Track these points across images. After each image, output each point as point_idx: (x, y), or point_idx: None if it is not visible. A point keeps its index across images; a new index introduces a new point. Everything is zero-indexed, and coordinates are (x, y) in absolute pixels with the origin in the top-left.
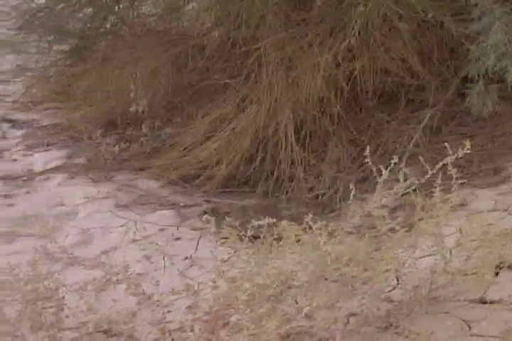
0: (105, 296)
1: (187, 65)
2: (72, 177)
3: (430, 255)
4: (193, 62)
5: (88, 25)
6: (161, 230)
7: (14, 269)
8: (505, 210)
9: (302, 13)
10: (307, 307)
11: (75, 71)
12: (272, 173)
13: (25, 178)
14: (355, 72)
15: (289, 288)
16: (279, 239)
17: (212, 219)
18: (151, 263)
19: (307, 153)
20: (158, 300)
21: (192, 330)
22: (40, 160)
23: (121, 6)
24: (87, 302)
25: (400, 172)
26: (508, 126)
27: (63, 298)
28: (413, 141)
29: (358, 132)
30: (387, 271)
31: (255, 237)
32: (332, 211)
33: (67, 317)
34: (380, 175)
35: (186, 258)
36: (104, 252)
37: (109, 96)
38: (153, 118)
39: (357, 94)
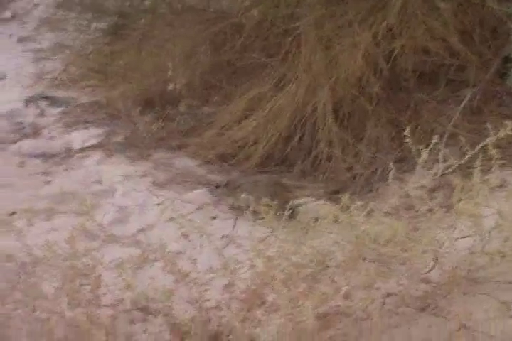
0: (142, 274)
1: (225, 44)
2: (110, 155)
3: (469, 236)
4: (231, 40)
5: (127, 3)
6: (198, 209)
7: (52, 246)
8: None
9: None
10: (345, 287)
11: (114, 49)
12: (310, 153)
13: (63, 156)
14: (395, 52)
15: (326, 267)
16: (317, 218)
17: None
18: (189, 241)
19: (345, 132)
20: (195, 279)
21: (229, 309)
22: (78, 137)
23: None
24: (125, 279)
25: (440, 152)
26: None
27: (100, 275)
28: (453, 121)
29: (397, 112)
30: (425, 251)
31: (292, 216)
32: (370, 191)
33: (104, 294)
34: (419, 155)
35: (223, 236)
36: (141, 230)
37: (147, 74)
38: (190, 97)
39: (396, 73)
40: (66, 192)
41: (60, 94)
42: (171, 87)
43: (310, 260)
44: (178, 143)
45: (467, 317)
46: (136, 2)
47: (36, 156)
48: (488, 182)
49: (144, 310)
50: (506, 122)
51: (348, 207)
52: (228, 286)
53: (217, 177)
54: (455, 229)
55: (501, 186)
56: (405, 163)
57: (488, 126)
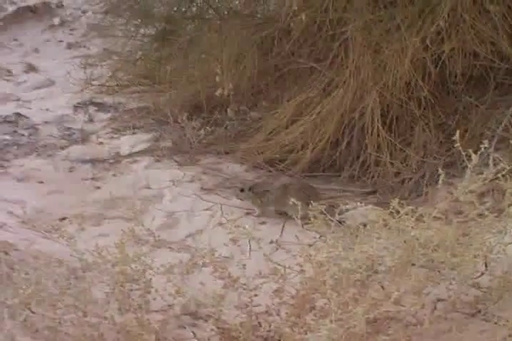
0: (191, 279)
1: (273, 49)
2: (158, 161)
3: None
4: (278, 45)
5: (174, 9)
6: (247, 214)
7: (102, 251)
8: None
9: None
10: (395, 293)
11: (161, 55)
12: (358, 158)
13: (111, 161)
14: (444, 55)
15: (376, 273)
16: (365, 223)
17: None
18: (237, 246)
19: (393, 137)
20: (244, 284)
21: (278, 314)
22: (126, 143)
23: None
24: (175, 284)
25: (490, 156)
26: None
27: (150, 280)
28: (502, 125)
29: (446, 116)
30: (475, 256)
31: (341, 222)
32: (418, 196)
33: (154, 299)
34: (469, 159)
35: (272, 242)
36: (190, 235)
37: (195, 79)
38: (238, 102)
39: (445, 77)
40: (115, 197)
41: (108, 100)
42: (218, 92)
43: (359, 265)
44: (226, 148)
45: None
46: (183, 8)
47: (85, 162)
48: None
49: (194, 315)
50: None
51: (397, 212)
52: (278, 291)
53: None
54: (506, 233)
55: None
56: (454, 167)
57: None
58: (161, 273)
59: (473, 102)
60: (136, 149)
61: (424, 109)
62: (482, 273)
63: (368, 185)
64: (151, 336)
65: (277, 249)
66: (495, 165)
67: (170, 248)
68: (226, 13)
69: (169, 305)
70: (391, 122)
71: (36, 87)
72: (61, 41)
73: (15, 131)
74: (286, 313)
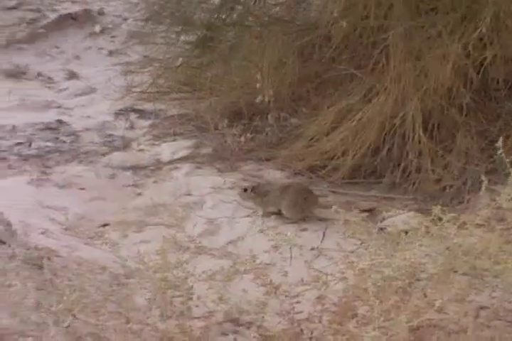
0: (233, 286)
1: (313, 55)
2: (199, 167)
3: None
4: (319, 52)
5: (215, 16)
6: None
7: (144, 258)
8: None
9: (431, 2)
10: (437, 301)
11: (202, 61)
12: (399, 164)
13: (152, 168)
14: (486, 62)
15: (418, 280)
16: (407, 230)
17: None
18: (279, 253)
19: (435, 143)
20: (286, 291)
21: (320, 321)
22: (167, 150)
23: None
24: (216, 291)
25: None
26: None
27: (192, 286)
28: None
29: (488, 122)
30: None
31: (382, 228)
32: (460, 203)
33: (196, 306)
34: None
35: (313, 248)
36: (231, 242)
37: (235, 86)
38: (278, 109)
39: (487, 83)
40: (156, 204)
41: (148, 106)
42: (259, 98)
43: (401, 273)
44: (267, 154)
45: None
46: (224, 15)
47: (126, 168)
48: None
49: (236, 321)
50: None
51: (439, 219)
52: (320, 298)
53: None
54: None
55: None
56: (496, 174)
57: None
58: (202, 279)
59: None
60: (177, 156)
61: (466, 115)
62: None
63: (409, 192)
64: None
65: (318, 256)
66: None
67: (211, 254)
68: (267, 19)
69: (211, 312)
70: (432, 129)
71: (77, 94)
72: (102, 48)
73: (56, 138)
74: (328, 320)
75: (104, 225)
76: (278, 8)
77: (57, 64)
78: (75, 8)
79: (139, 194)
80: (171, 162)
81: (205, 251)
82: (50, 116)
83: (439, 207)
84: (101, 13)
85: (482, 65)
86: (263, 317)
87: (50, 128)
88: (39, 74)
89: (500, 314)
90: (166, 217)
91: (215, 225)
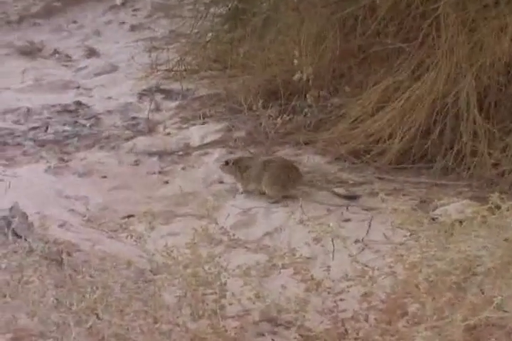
0: (270, 282)
1: (356, 28)
2: (231, 152)
3: None
4: (362, 24)
5: None
6: (330, 210)
7: (172, 252)
8: None
9: None
10: (497, 297)
11: (234, 36)
12: (452, 147)
13: (180, 153)
14: None
15: (474, 275)
16: (461, 220)
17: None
18: (320, 246)
19: (491, 124)
20: (329, 287)
21: (367, 320)
22: (196, 133)
23: None
24: (252, 288)
25: None
26: None
27: (225, 283)
28: None
29: None
30: None
31: (434, 218)
32: None
33: (230, 304)
34: None
35: (358, 241)
36: (268, 234)
37: (271, 63)
38: (318, 88)
39: None
40: (185, 192)
41: (175, 86)
42: (296, 76)
43: (455, 267)
44: (305, 138)
45: None
46: None
47: (152, 154)
48: None
49: (274, 321)
50: None
51: (497, 207)
52: (366, 295)
53: (350, 176)
54: None
55: None
56: None
57: None
58: (236, 275)
59: None
60: (207, 140)
61: None
62: None
63: (463, 178)
64: None
65: (364, 249)
66: None
67: (246, 248)
68: None
69: (246, 311)
70: (489, 108)
71: (97, 73)
72: (124, 23)
73: (75, 122)
74: (376, 319)
75: (129, 216)
76: None
77: (75, 40)
78: None
79: (166, 182)
80: (200, 147)
81: (240, 244)
82: (68, 98)
83: (497, 194)
84: None
85: None
86: (304, 316)
87: (68, 111)
88: (55, 52)
89: None
90: (196, 207)
91: (250, 215)
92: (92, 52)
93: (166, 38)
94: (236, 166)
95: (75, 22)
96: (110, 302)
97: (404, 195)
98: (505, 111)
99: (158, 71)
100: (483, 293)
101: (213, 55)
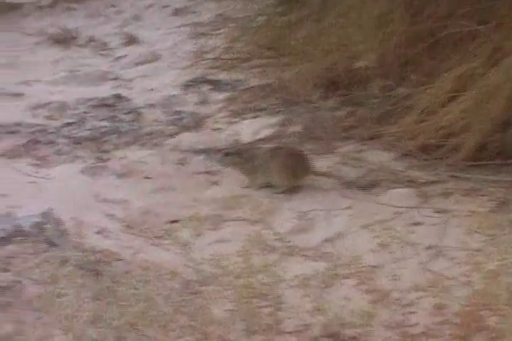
0: (332, 293)
1: (425, 9)
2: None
3: None
4: (432, 4)
5: None
6: (398, 213)
7: (222, 261)
8: None
9: None
10: None
11: (288, 20)
12: None
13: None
14: None
15: None
16: None
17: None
18: (387, 253)
19: None
20: (397, 299)
21: (440, 335)
22: (247, 128)
23: None
24: (312, 300)
25: None
26: None
27: (282, 295)
28: None
29: None
30: None
31: None
32: None
33: (287, 318)
34: None
35: (430, 247)
36: (329, 240)
37: (330, 49)
38: (383, 76)
39: None
40: (236, 194)
41: (224, 76)
42: (359, 64)
43: None
44: (370, 132)
45: None
46: None
47: (199, 152)
48: None
49: (336, 336)
50: None
51: None
52: (438, 307)
53: (420, 174)
54: None
55: None
56: None
57: None
58: (294, 286)
59: None
60: (260, 136)
61: None
62: None
63: None
64: None
65: (437, 256)
66: None
67: (304, 255)
68: None
69: (305, 325)
70: None
71: (138, 63)
72: (166, 6)
73: (114, 117)
74: (450, 334)
75: (173, 221)
76: None
77: (113, 26)
78: None
79: (215, 183)
80: (252, 143)
81: (297, 252)
82: (105, 90)
83: None
84: None
85: None
86: (369, 331)
87: (106, 105)
88: (91, 40)
89: None
90: (249, 211)
91: (309, 220)
92: (131, 40)
93: (212, 23)
94: (240, 157)
95: (113, 6)
96: (153, 316)
97: (481, 195)
98: None
99: (204, 60)
100: None
101: (266, 41)
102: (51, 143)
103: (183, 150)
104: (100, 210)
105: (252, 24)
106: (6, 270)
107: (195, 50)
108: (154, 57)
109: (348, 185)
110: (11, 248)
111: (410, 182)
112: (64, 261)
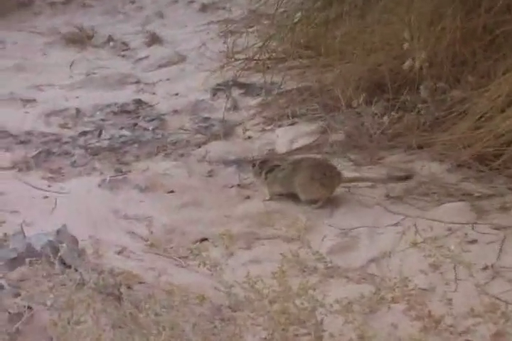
0: (377, 319)
1: (481, 3)
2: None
3: None
4: None
5: None
6: (451, 230)
7: (255, 283)
8: None
9: None
10: None
11: (328, 16)
12: None
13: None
14: None
15: None
16: None
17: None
18: (439, 274)
19: None
20: (450, 325)
21: None
22: (283, 137)
23: None
24: (356, 327)
25: None
26: None
27: (322, 321)
28: None
29: None
30: None
31: None
32: None
33: None
34: None
35: (486, 267)
36: (374, 260)
37: (375, 48)
38: (434, 78)
39: None
40: (271, 210)
41: (257, 79)
42: (407, 64)
43: None
44: (420, 140)
45: None
46: None
47: (229, 163)
48: None
49: None
50: None
51: None
52: (497, 335)
53: (475, 187)
54: None
55: None
56: None
57: None
58: (336, 311)
59: None
60: (298, 145)
61: None
62: None
63: None
64: None
65: (494, 277)
66: None
67: (347, 277)
68: None
69: None
70: None
71: (161, 65)
72: (193, 2)
73: (135, 124)
74: None
75: (202, 240)
76: None
77: (134, 25)
78: None
79: (248, 197)
80: (289, 153)
81: (339, 273)
82: (126, 95)
83: None
84: None
85: None
86: None
87: (127, 112)
88: (110, 39)
89: None
90: (285, 228)
91: (351, 237)
92: (154, 39)
93: (244, 20)
94: (261, 167)
95: (132, 2)
96: None
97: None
98: None
99: (235, 60)
100: None
101: (303, 40)
102: (66, 154)
103: (211, 161)
104: (120, 228)
105: (287, 21)
106: (16, 294)
107: (225, 50)
108: (179, 59)
109: (395, 199)
110: (22, 270)
111: (464, 196)
112: (80, 285)
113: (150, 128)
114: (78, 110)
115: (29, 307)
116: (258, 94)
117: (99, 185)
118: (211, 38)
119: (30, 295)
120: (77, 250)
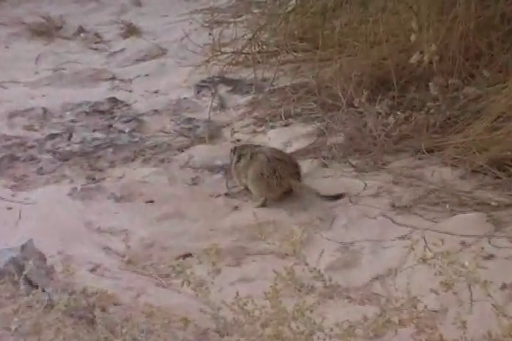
0: None
1: None
2: (326, 165)
3: None
4: None
5: None
6: (464, 244)
7: (246, 304)
8: None
9: None
10: None
11: (326, 4)
12: None
13: None
14: None
15: None
16: None
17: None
18: (452, 294)
19: None
20: None
21: None
22: (276, 139)
23: None
24: None
25: None
26: None
27: None
28: None
29: None
30: None
31: None
32: None
33: None
34: None
35: (504, 286)
36: (378, 278)
37: (379, 40)
38: (445, 73)
39: None
40: (262, 222)
41: (246, 75)
42: (415, 58)
43: None
44: (429, 143)
45: None
46: None
47: (215, 169)
48: None
49: None
50: None
51: None
52: None
53: (492, 196)
54: None
55: None
56: None
57: None
58: (336, 336)
59: None
60: (292, 148)
61: None
62: None
63: None
64: None
65: None
66: None
67: (348, 298)
68: None
69: None
70: None
71: (139, 59)
72: None
73: (110, 126)
74: None
75: (185, 256)
76: None
77: (108, 14)
78: None
79: (236, 207)
80: None
81: (339, 293)
82: (99, 93)
83: None
84: None
85: None
86: None
87: (100, 112)
88: (80, 30)
89: None
90: (278, 242)
91: (353, 252)
92: (130, 30)
93: (232, 8)
94: (235, 155)
95: None
96: None
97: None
98: None
99: (222, 54)
100: None
101: (298, 31)
102: (31, 159)
103: (195, 167)
104: (93, 242)
105: (280, 9)
106: None
107: (210, 42)
108: (159, 52)
109: (402, 209)
110: None
111: (480, 206)
112: (49, 307)
113: (126, 130)
114: (45, 110)
115: None
116: (248, 92)
117: (70, 195)
118: (195, 29)
119: None
120: (44, 267)
